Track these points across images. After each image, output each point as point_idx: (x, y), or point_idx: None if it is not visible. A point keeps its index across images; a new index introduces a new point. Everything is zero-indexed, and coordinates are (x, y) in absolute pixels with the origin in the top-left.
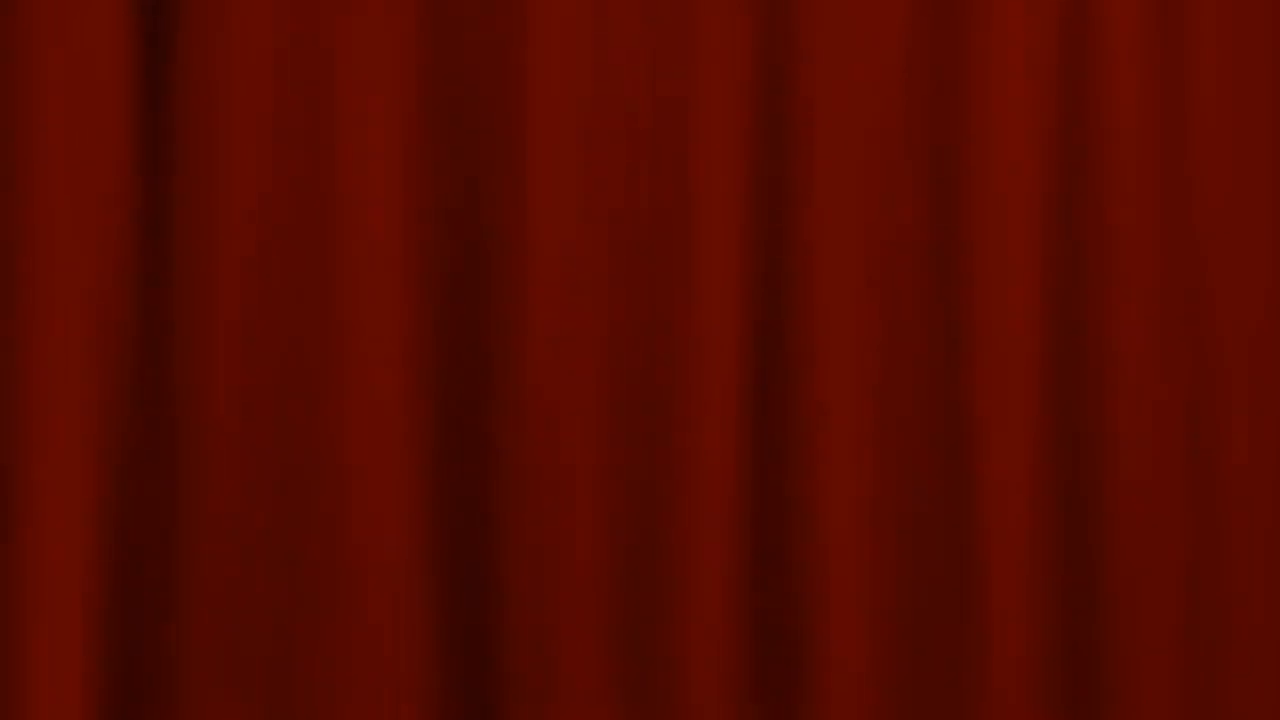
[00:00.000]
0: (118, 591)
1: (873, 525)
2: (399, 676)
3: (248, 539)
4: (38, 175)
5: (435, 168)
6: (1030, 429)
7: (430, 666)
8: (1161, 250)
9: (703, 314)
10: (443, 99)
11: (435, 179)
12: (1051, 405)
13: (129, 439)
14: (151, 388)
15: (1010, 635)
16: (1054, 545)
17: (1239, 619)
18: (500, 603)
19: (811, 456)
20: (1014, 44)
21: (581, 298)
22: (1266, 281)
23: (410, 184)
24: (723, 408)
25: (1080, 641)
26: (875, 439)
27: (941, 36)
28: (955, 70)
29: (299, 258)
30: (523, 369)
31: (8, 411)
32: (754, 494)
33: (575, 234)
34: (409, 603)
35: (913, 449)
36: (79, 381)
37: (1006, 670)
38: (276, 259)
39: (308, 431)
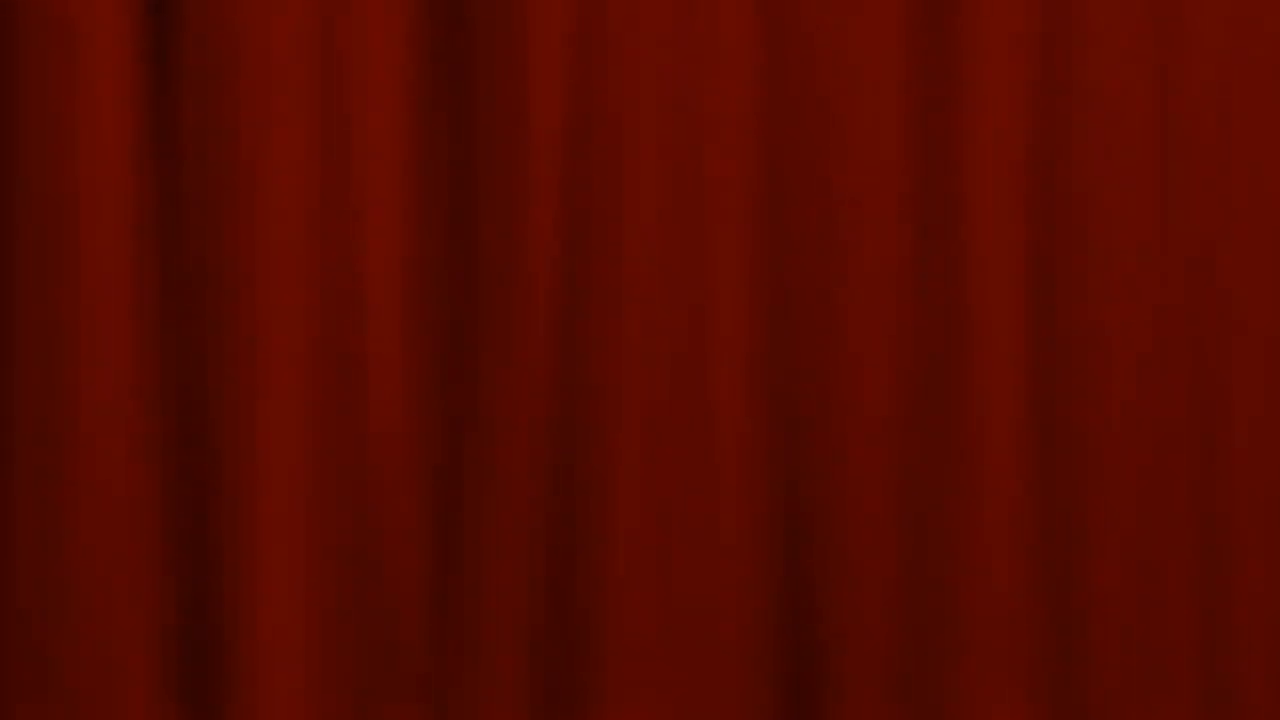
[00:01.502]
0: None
1: (885, 524)
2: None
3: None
4: (54, 169)
5: (438, 164)
6: (1020, 428)
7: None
8: (1151, 242)
9: (716, 302)
10: (446, 96)
11: (438, 175)
12: (1041, 403)
13: (166, 432)
14: (185, 386)
15: (1005, 634)
16: (1047, 544)
17: (1243, 616)
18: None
19: (829, 458)
20: (1003, 37)
21: (588, 298)
22: (1260, 268)
23: (414, 178)
24: (734, 406)
25: (1068, 636)
26: (888, 436)
27: (934, 32)
28: (947, 62)
29: (315, 248)
30: (525, 364)
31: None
32: (773, 491)
33: (583, 232)
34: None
35: (915, 446)
36: (114, 372)
37: (1000, 663)
38: (289, 251)
39: (341, 433)
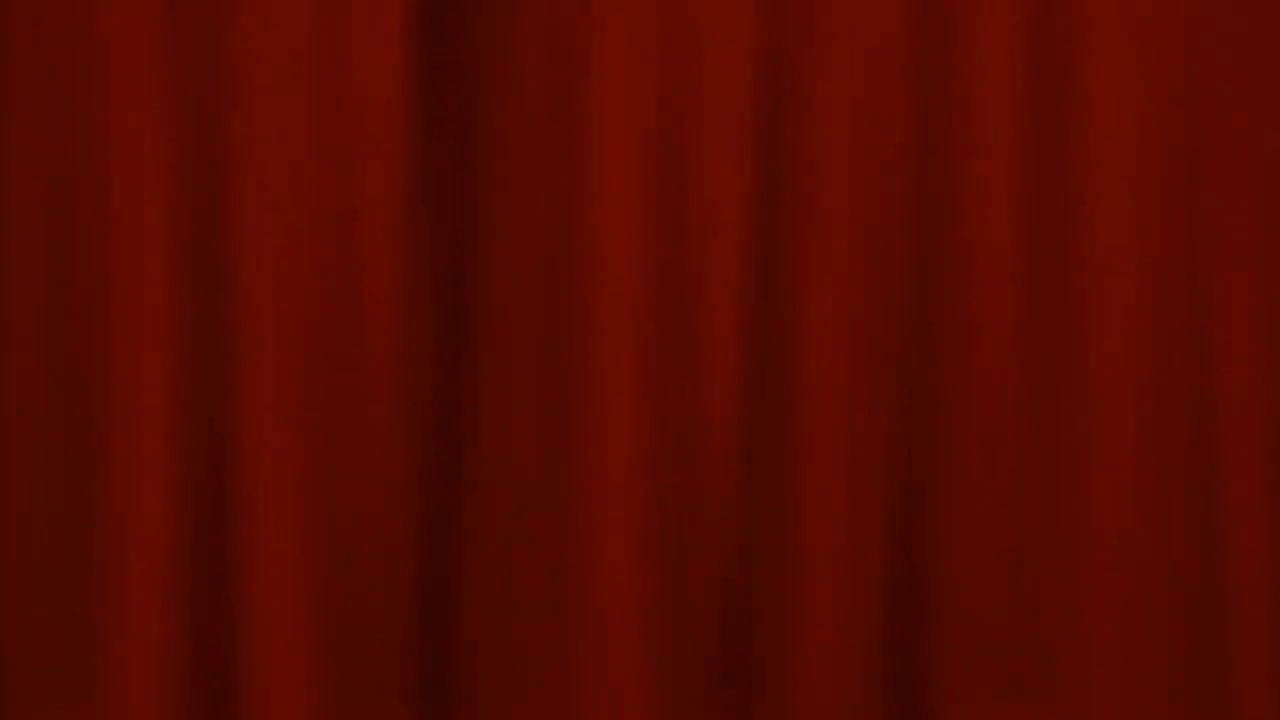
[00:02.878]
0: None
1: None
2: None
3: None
4: (72, 167)
5: (436, 162)
6: (1017, 425)
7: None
8: (1150, 241)
9: (712, 301)
10: (444, 95)
11: (436, 174)
12: (1039, 401)
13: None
14: (212, 397)
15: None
16: (1047, 543)
17: (1242, 617)
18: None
19: (797, 458)
20: (1002, 36)
21: (586, 296)
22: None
23: (412, 177)
24: (728, 405)
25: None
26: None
27: (933, 31)
28: (948, 61)
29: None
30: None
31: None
32: (759, 488)
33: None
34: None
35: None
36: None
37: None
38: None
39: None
